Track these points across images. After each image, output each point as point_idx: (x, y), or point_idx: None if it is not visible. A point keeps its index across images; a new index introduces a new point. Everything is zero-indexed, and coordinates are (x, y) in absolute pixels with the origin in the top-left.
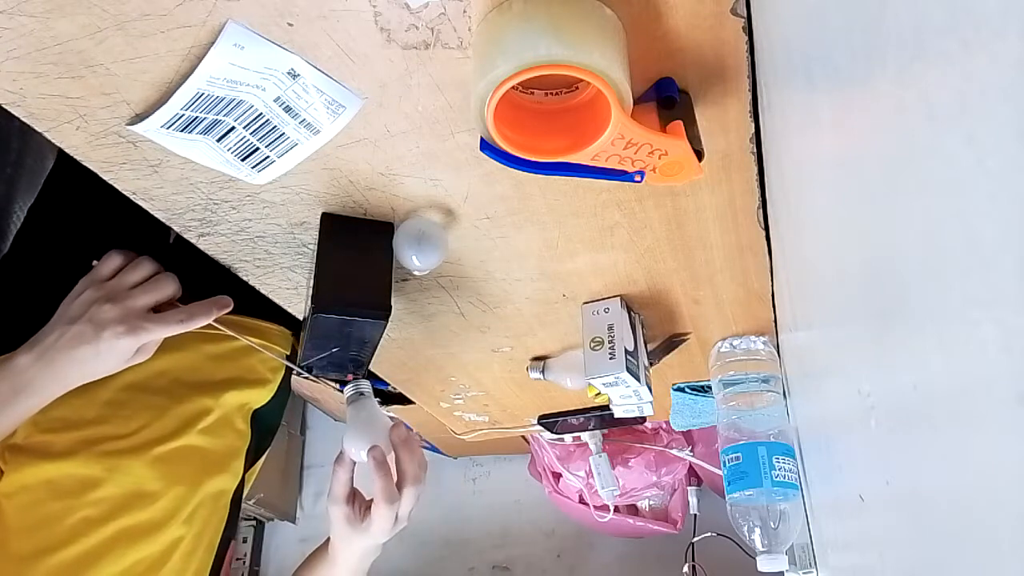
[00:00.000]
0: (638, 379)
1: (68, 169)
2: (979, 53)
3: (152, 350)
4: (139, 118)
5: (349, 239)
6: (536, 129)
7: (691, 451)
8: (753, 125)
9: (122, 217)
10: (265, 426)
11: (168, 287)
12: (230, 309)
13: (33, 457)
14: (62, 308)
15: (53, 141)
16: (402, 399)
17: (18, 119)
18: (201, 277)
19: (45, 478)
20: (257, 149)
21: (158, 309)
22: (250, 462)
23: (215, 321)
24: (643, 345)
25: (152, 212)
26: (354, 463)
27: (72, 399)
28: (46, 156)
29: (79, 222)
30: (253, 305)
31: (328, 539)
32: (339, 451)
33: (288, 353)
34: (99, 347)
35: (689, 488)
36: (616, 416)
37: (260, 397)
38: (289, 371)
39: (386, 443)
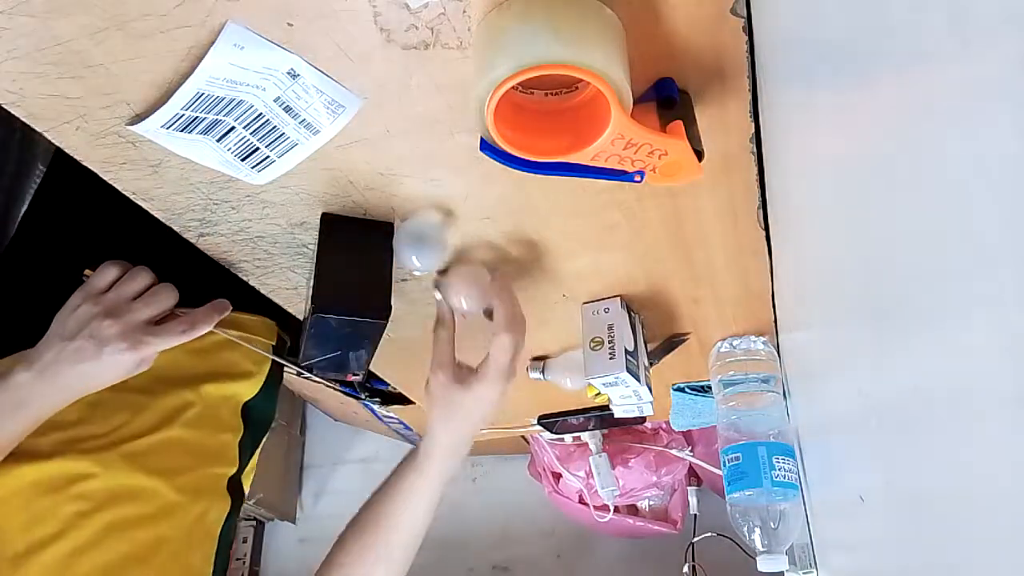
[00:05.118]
0: (638, 379)
1: (61, 175)
2: (979, 53)
3: (152, 360)
4: (139, 118)
5: (349, 239)
6: (536, 129)
7: (691, 451)
8: (753, 125)
9: (118, 221)
10: (258, 418)
11: (168, 298)
12: (229, 312)
13: (20, 460)
14: (58, 322)
15: (53, 141)
16: (402, 399)
17: (19, 130)
18: (188, 276)
19: (33, 479)
20: (257, 149)
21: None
22: (247, 455)
23: None
24: (643, 345)
25: (152, 212)
26: (454, 322)
27: None
28: (40, 163)
29: (73, 228)
30: (235, 297)
31: (410, 454)
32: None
33: (274, 343)
34: (101, 363)
35: (689, 488)
36: (616, 416)
37: (247, 390)
38: (276, 361)
39: (485, 292)
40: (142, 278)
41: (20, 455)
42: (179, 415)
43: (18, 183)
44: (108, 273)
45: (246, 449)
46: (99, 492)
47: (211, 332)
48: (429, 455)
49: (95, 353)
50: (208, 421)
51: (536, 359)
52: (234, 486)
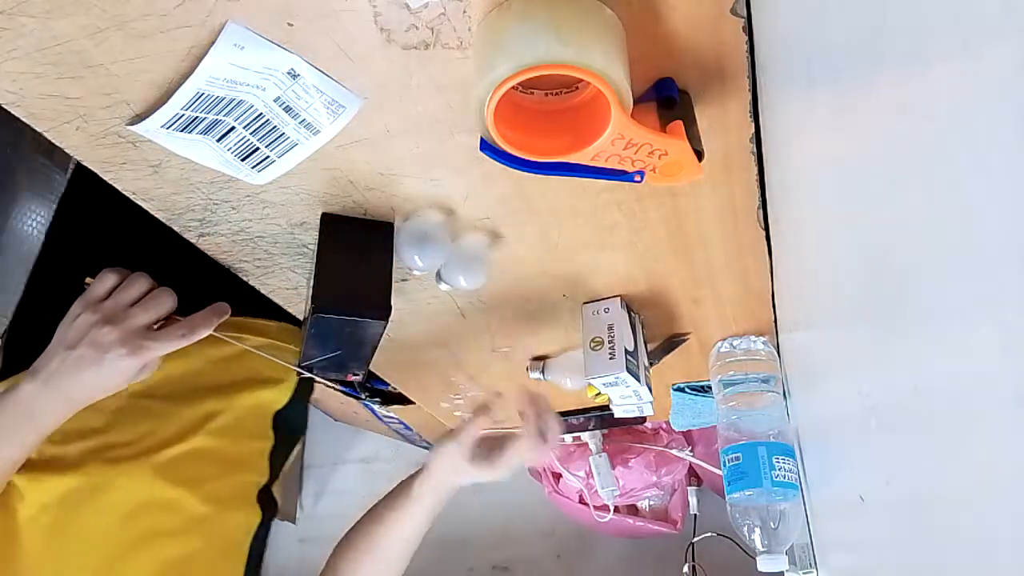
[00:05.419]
0: (638, 379)
1: (81, 191)
2: (979, 53)
3: (156, 365)
4: (139, 118)
5: (349, 239)
6: (536, 129)
7: (691, 451)
8: (753, 125)
9: (138, 238)
10: (289, 428)
11: (166, 302)
12: (228, 315)
13: (46, 471)
14: (60, 332)
15: (53, 141)
16: (402, 399)
17: (7, 131)
18: (203, 281)
19: (59, 494)
20: (257, 149)
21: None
22: (278, 463)
23: (218, 326)
24: (643, 345)
25: (152, 212)
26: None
27: (81, 411)
28: (54, 167)
29: (95, 248)
30: (258, 304)
31: (406, 482)
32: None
33: (300, 349)
34: (102, 370)
35: (689, 488)
36: (616, 416)
37: (277, 397)
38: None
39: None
40: (140, 284)
41: (47, 465)
42: (205, 424)
43: (14, 180)
44: (107, 280)
45: (277, 459)
46: (126, 504)
47: (223, 340)
48: (421, 498)
49: (96, 360)
50: (236, 430)
51: (536, 359)
52: (265, 497)
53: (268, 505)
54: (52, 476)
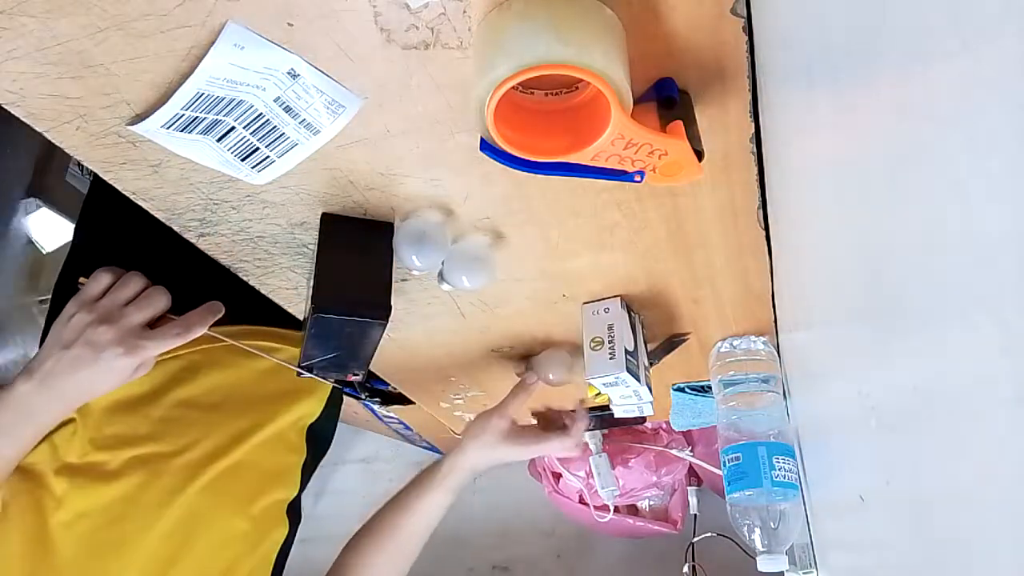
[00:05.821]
0: (638, 379)
1: (102, 201)
2: (979, 53)
3: (152, 364)
4: (139, 118)
5: (349, 239)
6: (536, 129)
7: (691, 451)
8: (753, 125)
9: (159, 247)
10: (320, 440)
11: (160, 301)
12: (222, 314)
13: (90, 478)
14: (55, 331)
15: (53, 141)
16: (402, 399)
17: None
18: (209, 283)
19: (102, 504)
20: (257, 149)
21: (152, 322)
22: (307, 476)
23: (239, 337)
24: (643, 345)
25: (152, 212)
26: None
27: (126, 416)
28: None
29: (129, 244)
30: (261, 304)
31: (428, 469)
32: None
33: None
34: (98, 369)
35: (689, 488)
36: (616, 416)
37: (312, 409)
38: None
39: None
40: (135, 283)
41: (90, 472)
42: (248, 437)
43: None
44: (101, 280)
45: (307, 472)
46: (169, 519)
47: (279, 351)
48: (450, 474)
49: (92, 360)
50: (276, 444)
51: (522, 358)
52: (292, 510)
53: (294, 518)
54: (96, 484)
